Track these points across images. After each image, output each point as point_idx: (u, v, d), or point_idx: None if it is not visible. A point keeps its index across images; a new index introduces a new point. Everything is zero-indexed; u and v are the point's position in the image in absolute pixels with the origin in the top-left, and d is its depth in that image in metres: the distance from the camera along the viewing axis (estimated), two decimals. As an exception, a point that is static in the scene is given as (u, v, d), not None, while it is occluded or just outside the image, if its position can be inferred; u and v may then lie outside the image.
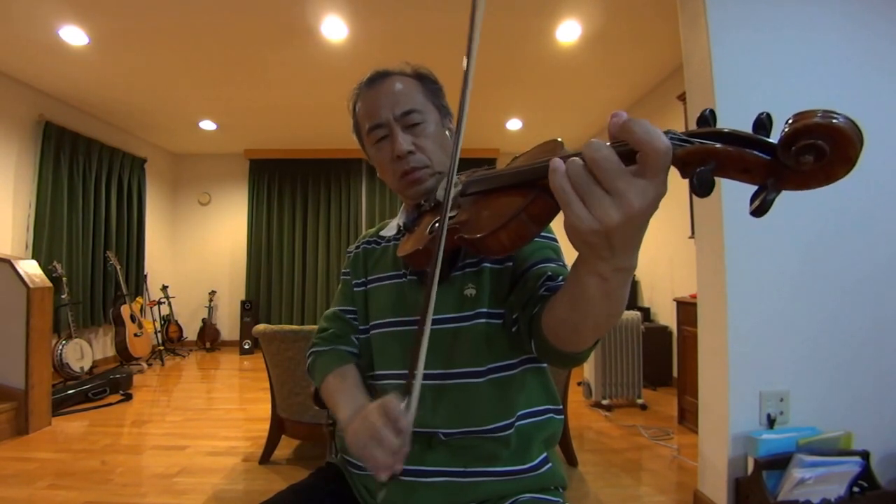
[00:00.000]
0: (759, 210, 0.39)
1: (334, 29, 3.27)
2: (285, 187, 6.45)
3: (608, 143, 0.43)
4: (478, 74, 3.22)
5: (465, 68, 0.62)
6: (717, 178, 0.41)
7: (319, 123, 5.28)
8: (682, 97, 3.37)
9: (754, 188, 0.40)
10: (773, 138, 0.39)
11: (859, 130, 0.36)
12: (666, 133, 0.41)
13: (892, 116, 1.89)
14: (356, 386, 0.85)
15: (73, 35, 3.29)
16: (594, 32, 3.31)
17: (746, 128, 0.41)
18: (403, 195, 0.91)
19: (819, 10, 1.92)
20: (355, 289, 0.97)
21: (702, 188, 0.40)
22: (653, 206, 0.42)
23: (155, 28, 3.25)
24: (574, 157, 0.44)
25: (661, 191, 0.42)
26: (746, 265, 1.86)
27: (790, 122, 0.37)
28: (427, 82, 0.92)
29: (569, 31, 3.29)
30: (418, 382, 0.61)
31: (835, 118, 0.35)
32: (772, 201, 0.39)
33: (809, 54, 1.91)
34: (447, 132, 0.92)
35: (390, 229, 0.99)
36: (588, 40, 3.42)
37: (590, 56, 3.67)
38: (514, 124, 5.35)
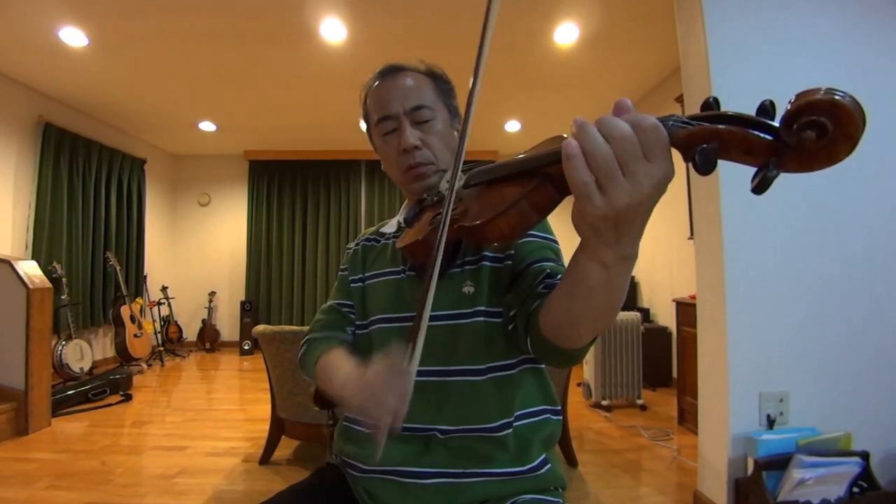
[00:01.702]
0: (760, 187, 0.39)
1: (333, 31, 3.27)
2: (285, 188, 6.45)
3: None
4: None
5: (474, 68, 0.61)
6: (718, 164, 0.41)
7: (319, 124, 5.28)
8: (679, 99, 3.38)
9: (754, 179, 0.40)
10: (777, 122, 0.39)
11: (861, 108, 0.36)
12: (669, 117, 0.42)
13: (893, 115, 1.90)
14: (352, 360, 0.82)
15: (73, 36, 3.28)
16: (592, 34, 3.32)
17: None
18: (406, 189, 0.92)
19: (818, 10, 1.92)
20: (352, 285, 0.97)
21: (704, 166, 0.40)
22: (660, 189, 0.43)
23: (154, 29, 3.25)
24: (591, 133, 0.42)
25: (669, 172, 0.42)
26: (745, 266, 1.86)
27: (792, 100, 0.37)
28: (439, 81, 0.92)
29: (567, 34, 3.29)
30: (423, 332, 0.60)
31: (837, 94, 0.35)
32: (772, 179, 0.38)
33: (808, 55, 1.91)
34: (455, 132, 0.93)
35: (390, 227, 0.99)
36: (586, 42, 3.42)
37: (588, 58, 3.67)
38: (512, 126, 5.36)
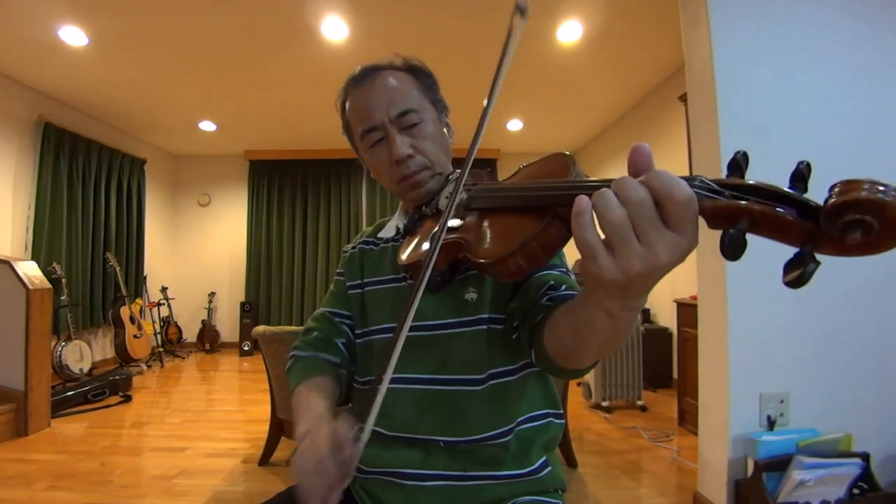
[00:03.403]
0: (797, 283, 0.36)
1: (335, 29, 3.27)
2: (285, 188, 6.45)
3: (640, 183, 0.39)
4: (477, 75, 3.20)
5: (488, 95, 0.60)
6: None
7: (319, 124, 5.28)
8: (683, 98, 3.37)
9: (788, 272, 0.37)
10: (813, 188, 0.37)
11: None
12: (694, 179, 0.39)
13: (894, 115, 1.89)
14: (323, 399, 0.80)
15: (73, 35, 3.28)
16: (595, 33, 3.31)
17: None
18: (403, 198, 0.89)
19: (822, 10, 1.92)
20: (350, 291, 0.94)
21: (732, 250, 0.37)
22: (680, 260, 0.40)
23: (155, 28, 3.25)
24: (604, 192, 0.40)
25: (693, 244, 0.39)
26: (746, 266, 1.83)
27: (836, 191, 0.35)
28: (421, 76, 0.87)
29: (570, 32, 3.29)
30: (376, 409, 0.58)
31: (881, 192, 0.33)
32: (811, 273, 0.35)
33: (812, 54, 1.90)
34: (445, 129, 0.89)
35: (388, 230, 0.95)
36: (589, 40, 3.42)
37: (591, 56, 3.67)
38: (514, 125, 5.35)
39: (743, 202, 0.37)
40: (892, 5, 1.93)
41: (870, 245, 0.35)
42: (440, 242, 0.60)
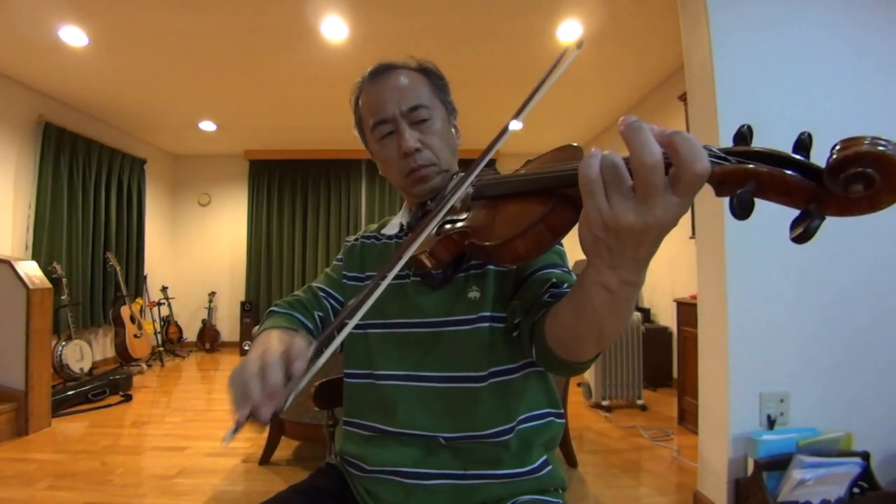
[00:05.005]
0: (802, 237, 0.38)
1: (334, 29, 3.27)
2: (285, 188, 6.45)
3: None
4: (478, 74, 3.19)
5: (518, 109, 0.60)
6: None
7: (319, 124, 5.28)
8: (682, 97, 3.37)
9: (794, 228, 0.39)
10: (814, 159, 0.38)
11: None
12: (703, 149, 0.40)
13: (893, 116, 1.89)
14: (289, 344, 0.70)
15: (73, 35, 3.28)
16: (595, 32, 3.31)
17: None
18: (408, 193, 0.90)
19: (821, 10, 1.92)
20: (348, 281, 0.95)
21: (742, 210, 0.38)
22: (673, 222, 0.41)
23: (155, 28, 3.25)
24: (611, 152, 0.43)
25: (685, 209, 0.41)
26: (747, 266, 1.86)
27: (838, 148, 0.36)
28: (433, 77, 0.89)
29: (570, 31, 3.29)
30: (336, 343, 0.57)
31: (881, 145, 0.34)
32: (816, 228, 0.37)
33: (811, 54, 1.90)
34: (453, 129, 0.91)
35: (392, 227, 0.96)
36: (589, 40, 3.41)
37: (591, 56, 3.67)
38: (514, 125, 5.32)
39: (750, 165, 0.39)
40: (890, 5, 1.93)
41: (871, 200, 0.36)
42: (448, 204, 0.61)
